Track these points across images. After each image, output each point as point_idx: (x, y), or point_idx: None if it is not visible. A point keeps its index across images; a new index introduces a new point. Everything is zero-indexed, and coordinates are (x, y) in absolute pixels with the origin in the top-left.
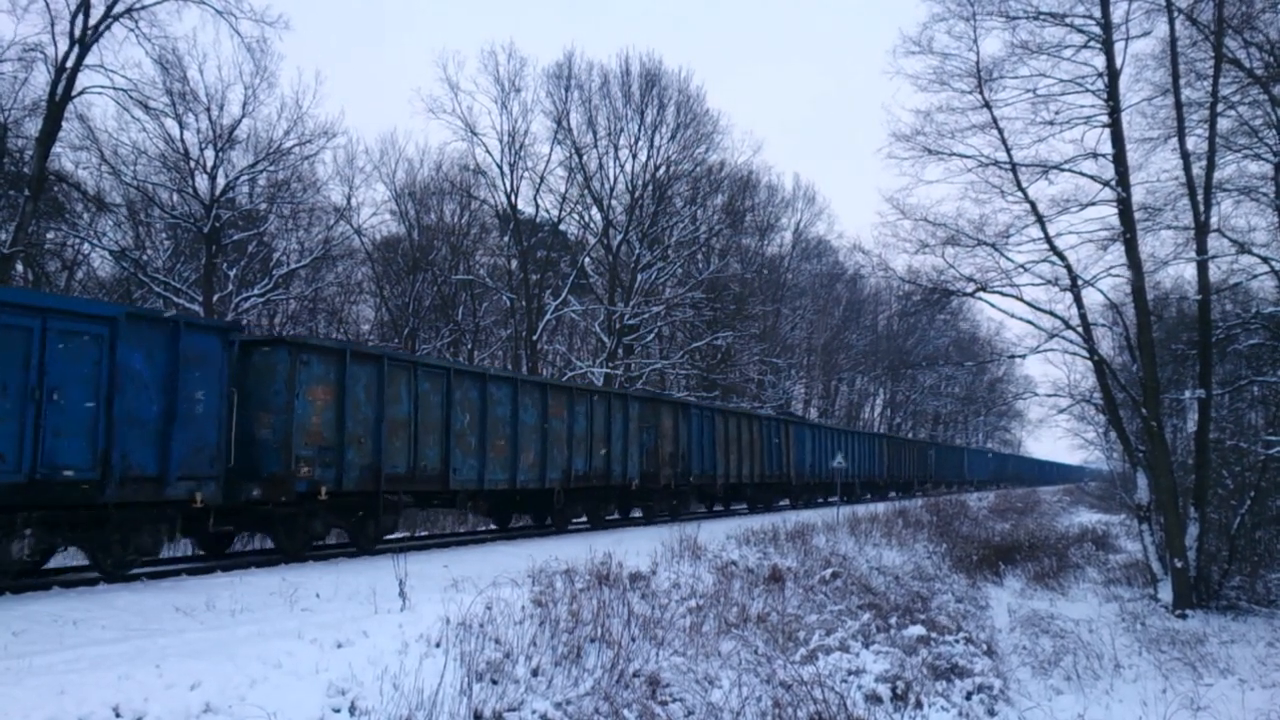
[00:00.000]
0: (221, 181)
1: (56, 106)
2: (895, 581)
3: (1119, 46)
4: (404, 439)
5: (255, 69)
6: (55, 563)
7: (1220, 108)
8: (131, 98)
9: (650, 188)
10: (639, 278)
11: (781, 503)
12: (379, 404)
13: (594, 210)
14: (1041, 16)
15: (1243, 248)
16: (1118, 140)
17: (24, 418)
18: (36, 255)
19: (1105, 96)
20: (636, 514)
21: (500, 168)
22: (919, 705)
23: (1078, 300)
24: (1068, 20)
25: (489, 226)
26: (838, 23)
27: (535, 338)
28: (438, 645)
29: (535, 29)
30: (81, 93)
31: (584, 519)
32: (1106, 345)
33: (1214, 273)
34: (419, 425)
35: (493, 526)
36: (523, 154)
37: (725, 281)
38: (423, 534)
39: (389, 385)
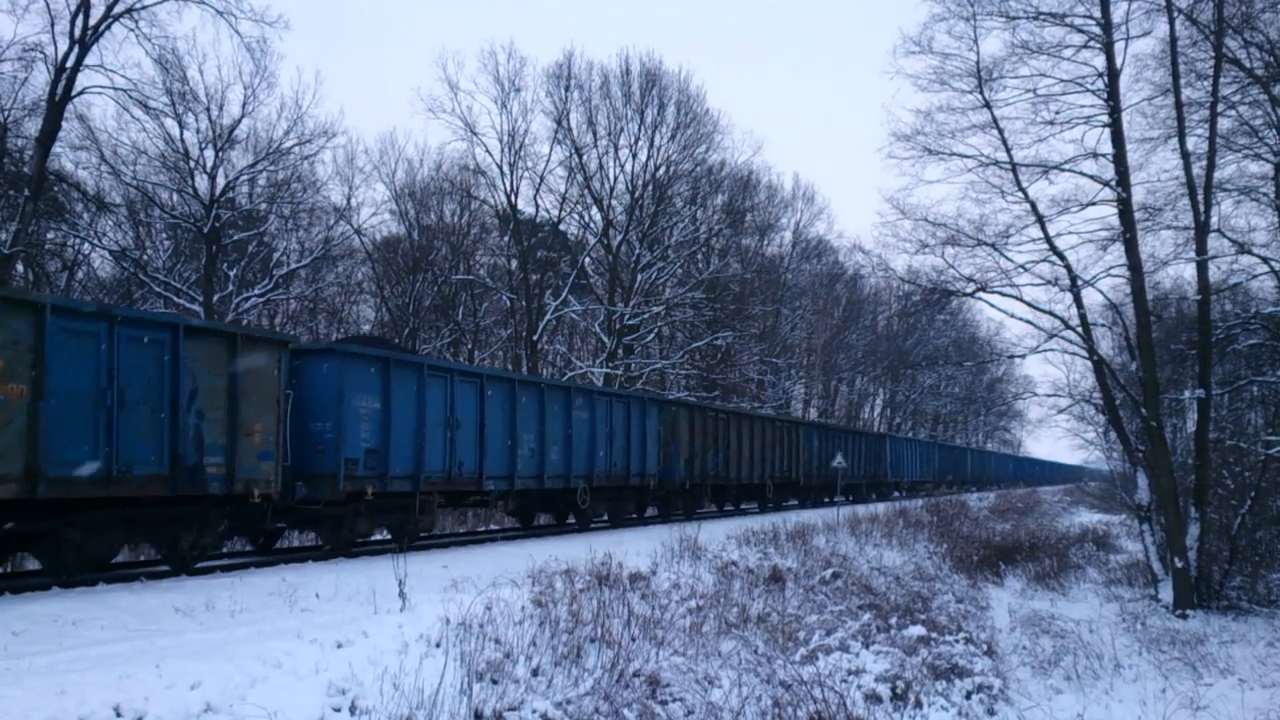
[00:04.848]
0: (221, 181)
1: (56, 106)
2: (895, 582)
3: (1119, 46)
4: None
5: (255, 69)
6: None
7: (1220, 107)
8: (131, 98)
9: (650, 188)
10: (639, 278)
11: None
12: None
13: (594, 210)
14: (1041, 16)
15: (1243, 248)
16: (1118, 140)
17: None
18: (37, 255)
19: (1105, 96)
20: None
21: (500, 168)
22: (919, 705)
23: (1077, 300)
24: (1068, 20)
25: (489, 226)
26: (838, 22)
27: (535, 338)
28: (438, 645)
29: (535, 29)
30: (81, 93)
31: None
32: (1106, 345)
33: (1214, 273)
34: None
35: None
36: (523, 154)
37: (725, 281)
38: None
39: (700, 423)
